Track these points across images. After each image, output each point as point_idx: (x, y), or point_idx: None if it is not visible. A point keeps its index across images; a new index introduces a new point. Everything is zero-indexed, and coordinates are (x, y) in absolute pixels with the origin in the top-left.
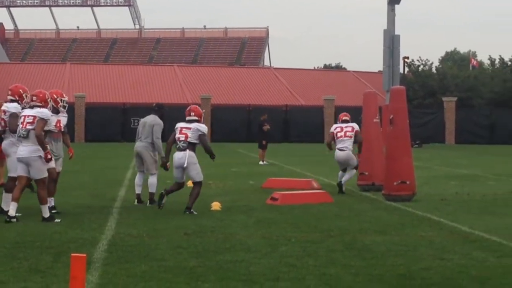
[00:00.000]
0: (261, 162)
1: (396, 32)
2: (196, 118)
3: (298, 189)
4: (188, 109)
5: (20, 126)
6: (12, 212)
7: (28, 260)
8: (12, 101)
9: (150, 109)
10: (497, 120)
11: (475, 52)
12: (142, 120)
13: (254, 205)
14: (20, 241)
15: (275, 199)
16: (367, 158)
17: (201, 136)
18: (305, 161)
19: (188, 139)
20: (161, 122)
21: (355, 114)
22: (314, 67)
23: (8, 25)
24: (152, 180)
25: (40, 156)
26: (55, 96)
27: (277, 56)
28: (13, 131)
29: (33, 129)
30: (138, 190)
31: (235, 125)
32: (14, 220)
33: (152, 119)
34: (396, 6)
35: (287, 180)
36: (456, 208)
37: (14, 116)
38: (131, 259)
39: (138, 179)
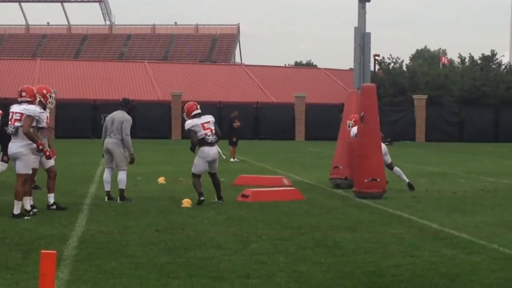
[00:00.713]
0: (231, 159)
1: (367, 30)
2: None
3: (269, 186)
4: (196, 106)
5: (10, 122)
6: (27, 206)
7: None
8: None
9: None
10: (467, 118)
11: (445, 50)
12: (110, 116)
13: (224, 202)
14: None
15: (246, 196)
16: (343, 153)
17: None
18: (276, 159)
19: (214, 133)
20: (129, 118)
21: (326, 112)
22: (285, 64)
23: None
24: (122, 176)
25: (28, 152)
26: (44, 92)
27: (248, 53)
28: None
29: (21, 126)
30: (107, 187)
31: None
32: (32, 212)
33: (120, 115)
34: (367, 3)
35: (258, 177)
36: (426, 205)
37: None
38: (101, 255)
39: (106, 176)
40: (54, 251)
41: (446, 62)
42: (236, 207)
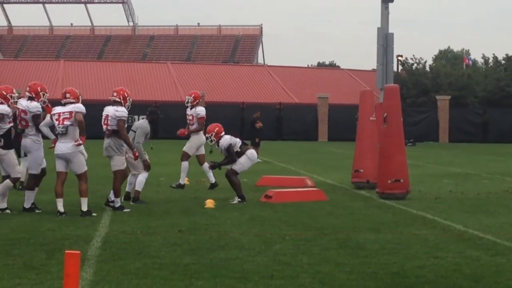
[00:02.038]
0: None
1: (390, 30)
2: None
3: (292, 187)
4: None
5: (56, 123)
6: (60, 208)
7: (22, 257)
8: (30, 98)
9: (144, 106)
10: (491, 119)
11: (468, 50)
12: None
13: (248, 203)
14: (14, 238)
15: (269, 197)
16: (363, 156)
17: None
18: (299, 159)
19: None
20: (146, 126)
21: (349, 113)
22: (308, 65)
23: (2, 22)
24: (140, 178)
25: (79, 152)
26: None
27: (271, 54)
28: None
29: (71, 124)
30: (128, 188)
31: (228, 123)
32: (64, 215)
33: (138, 123)
34: (390, 4)
35: (281, 178)
36: (450, 206)
37: (38, 115)
38: (125, 256)
39: (130, 178)
40: (78, 251)
41: (468, 63)
42: (259, 207)
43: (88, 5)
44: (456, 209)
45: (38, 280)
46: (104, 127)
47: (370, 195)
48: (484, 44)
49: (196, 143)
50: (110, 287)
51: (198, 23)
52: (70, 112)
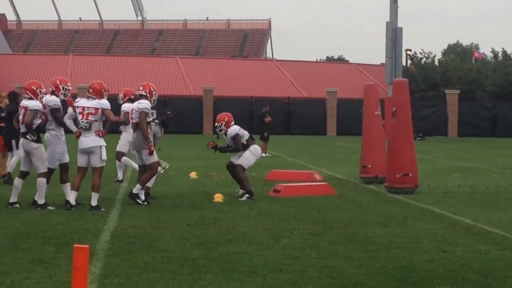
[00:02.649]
0: (263, 154)
1: (399, 25)
2: None
3: (301, 181)
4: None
5: (80, 117)
6: (72, 201)
7: (31, 251)
8: (52, 93)
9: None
10: (500, 113)
11: (477, 44)
12: None
13: (256, 197)
14: (23, 232)
15: (278, 191)
16: (370, 151)
17: None
18: (308, 154)
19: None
20: (153, 127)
21: (358, 107)
22: (317, 59)
23: (11, 16)
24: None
25: (101, 146)
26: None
27: (280, 48)
28: (61, 124)
29: (96, 120)
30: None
31: (237, 117)
32: (73, 208)
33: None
34: None
35: (289, 172)
36: (459, 200)
37: (58, 110)
38: (134, 250)
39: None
40: (87, 245)
41: (479, 56)
42: (268, 202)
43: None
44: (465, 203)
45: (46, 274)
46: (130, 121)
47: (379, 190)
48: (493, 38)
49: (127, 139)
50: (119, 281)
51: (207, 18)
52: (96, 109)
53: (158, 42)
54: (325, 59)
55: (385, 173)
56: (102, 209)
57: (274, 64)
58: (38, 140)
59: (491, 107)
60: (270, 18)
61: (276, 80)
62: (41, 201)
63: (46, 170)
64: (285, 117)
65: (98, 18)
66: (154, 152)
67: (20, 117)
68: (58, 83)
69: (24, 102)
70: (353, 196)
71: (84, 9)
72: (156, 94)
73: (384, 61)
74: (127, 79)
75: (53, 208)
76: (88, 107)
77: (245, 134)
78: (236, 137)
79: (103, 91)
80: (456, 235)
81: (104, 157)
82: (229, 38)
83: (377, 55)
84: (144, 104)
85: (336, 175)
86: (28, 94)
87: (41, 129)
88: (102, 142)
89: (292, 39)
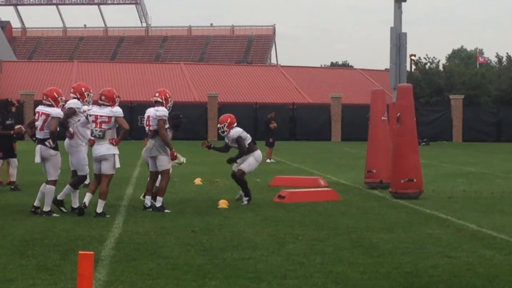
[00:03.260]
0: (268, 160)
1: (403, 30)
2: None
3: (305, 187)
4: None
5: (93, 125)
6: (87, 201)
7: (36, 258)
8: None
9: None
10: (504, 118)
11: (482, 49)
12: None
13: (261, 203)
14: (28, 239)
15: (282, 197)
16: (375, 156)
17: None
18: (312, 159)
19: None
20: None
21: (362, 112)
22: (321, 65)
23: (16, 24)
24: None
25: (114, 154)
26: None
27: (284, 54)
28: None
29: (109, 128)
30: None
31: (242, 123)
32: (85, 208)
33: None
34: (403, 3)
35: (294, 178)
36: (464, 206)
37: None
38: (138, 256)
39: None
40: (92, 252)
41: (484, 61)
42: (272, 208)
43: (102, 6)
44: (469, 208)
45: (51, 280)
46: (147, 128)
47: (383, 195)
48: (498, 43)
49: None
50: None
51: (211, 24)
52: (109, 117)
53: (162, 49)
54: (329, 65)
55: (389, 178)
56: (107, 216)
57: (278, 70)
58: (56, 148)
59: (495, 112)
60: (274, 24)
61: (280, 86)
62: (47, 208)
63: (57, 178)
64: (289, 122)
65: (103, 25)
66: (169, 159)
67: (37, 123)
68: (83, 90)
69: (45, 109)
70: (358, 201)
71: (89, 16)
72: (172, 100)
73: (388, 67)
74: (131, 86)
75: (58, 215)
76: (101, 116)
77: (248, 138)
78: (239, 140)
79: (115, 97)
80: (461, 240)
81: (118, 165)
82: (233, 44)
83: (381, 60)
84: (162, 111)
85: (341, 181)
86: (49, 101)
87: (60, 136)
88: (115, 150)
89: (297, 45)
